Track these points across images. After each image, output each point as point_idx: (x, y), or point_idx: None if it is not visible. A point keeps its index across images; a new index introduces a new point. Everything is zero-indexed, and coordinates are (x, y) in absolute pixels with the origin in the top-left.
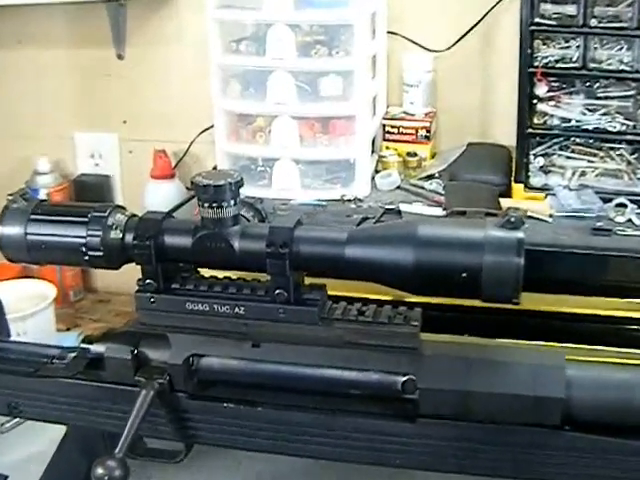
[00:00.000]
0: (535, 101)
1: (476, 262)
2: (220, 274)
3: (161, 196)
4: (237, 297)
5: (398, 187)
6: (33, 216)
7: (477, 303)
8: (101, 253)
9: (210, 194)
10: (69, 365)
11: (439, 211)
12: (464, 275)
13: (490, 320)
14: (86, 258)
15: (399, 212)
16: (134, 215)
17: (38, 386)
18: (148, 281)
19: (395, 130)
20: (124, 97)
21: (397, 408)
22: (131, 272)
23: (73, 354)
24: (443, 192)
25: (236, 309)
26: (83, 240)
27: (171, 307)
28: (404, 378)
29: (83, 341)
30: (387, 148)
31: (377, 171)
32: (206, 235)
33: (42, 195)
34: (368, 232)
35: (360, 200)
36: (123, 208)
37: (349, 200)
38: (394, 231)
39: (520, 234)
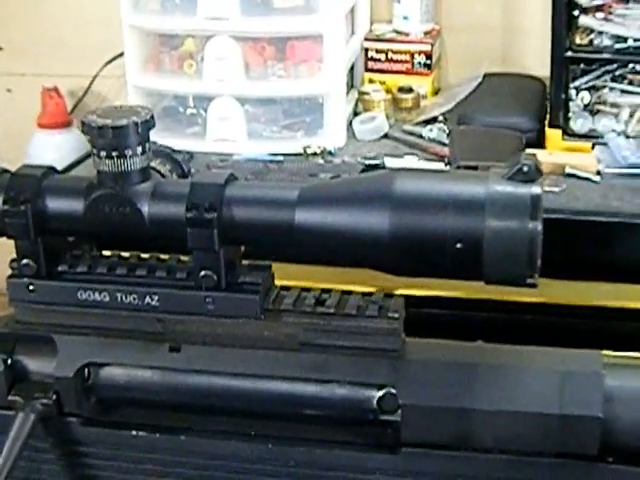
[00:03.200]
0: (577, 12)
1: (475, 228)
2: (125, 253)
3: (52, 151)
4: (148, 282)
5: (385, 135)
6: None
7: (477, 293)
8: None
9: (108, 138)
10: None
11: (440, 167)
12: (459, 246)
13: (498, 319)
14: None
15: (384, 169)
16: (5, 171)
17: None
18: (25, 261)
19: (382, 56)
20: (3, 10)
21: (372, 434)
22: None
23: None
24: (447, 141)
25: (147, 299)
26: None
27: (57, 297)
28: (381, 392)
29: None
30: (371, 81)
31: (356, 114)
32: (103, 196)
33: None
34: (327, 189)
35: (331, 153)
36: None
37: (315, 154)
38: (362, 187)
39: (535, 189)
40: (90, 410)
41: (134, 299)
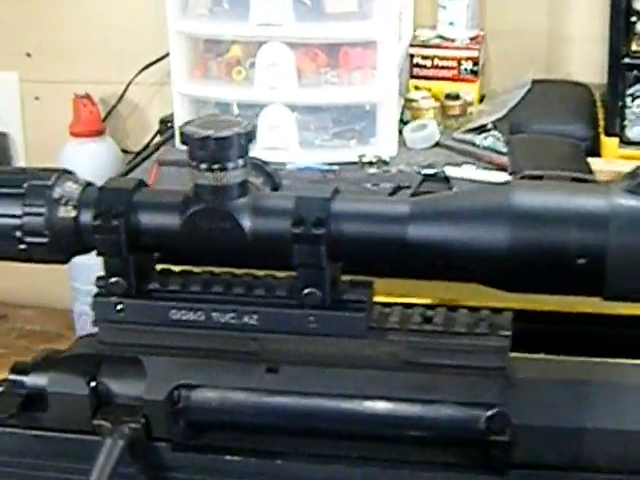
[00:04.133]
0: (634, 19)
1: (598, 243)
2: (215, 269)
3: (86, 161)
4: (247, 301)
5: (436, 144)
6: None
7: (584, 306)
8: (45, 239)
9: (210, 150)
10: None
11: (502, 176)
12: (581, 261)
13: (609, 335)
14: (22, 247)
15: (446, 179)
16: (89, 183)
17: None
18: (114, 279)
19: (428, 62)
20: (28, 20)
21: (479, 455)
22: (38, 272)
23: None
24: (506, 150)
25: (245, 318)
26: (17, 221)
27: (147, 317)
28: (490, 412)
29: (12, 370)
30: (416, 88)
31: (403, 122)
32: (202, 210)
33: None
34: (441, 203)
35: (385, 162)
36: (70, 173)
37: (371, 163)
38: (479, 201)
39: None
40: (180, 434)
41: (232, 318)
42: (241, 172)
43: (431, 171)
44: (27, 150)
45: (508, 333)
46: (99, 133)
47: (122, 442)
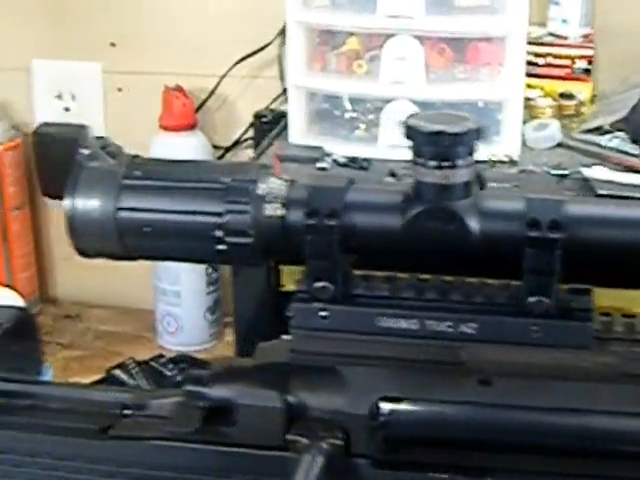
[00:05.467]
0: None
1: None
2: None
3: (178, 155)
4: (465, 308)
5: (558, 144)
6: (128, 181)
7: None
8: (249, 240)
9: (442, 146)
10: (174, 420)
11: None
12: None
13: None
14: (221, 248)
15: (586, 180)
16: (294, 180)
17: (112, 453)
18: (320, 284)
19: (540, 60)
20: (112, 6)
21: None
22: (108, 272)
23: (168, 400)
24: (635, 152)
25: (462, 327)
26: (218, 219)
27: (352, 324)
28: None
29: (186, 380)
30: (529, 87)
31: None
32: (427, 211)
33: None
34: (598, 207)
35: (514, 162)
36: (268, 167)
37: (502, 162)
38: None
39: None
40: (381, 450)
41: (448, 327)
42: (469, 171)
43: (564, 172)
44: None
45: None
46: (191, 127)
47: (321, 459)
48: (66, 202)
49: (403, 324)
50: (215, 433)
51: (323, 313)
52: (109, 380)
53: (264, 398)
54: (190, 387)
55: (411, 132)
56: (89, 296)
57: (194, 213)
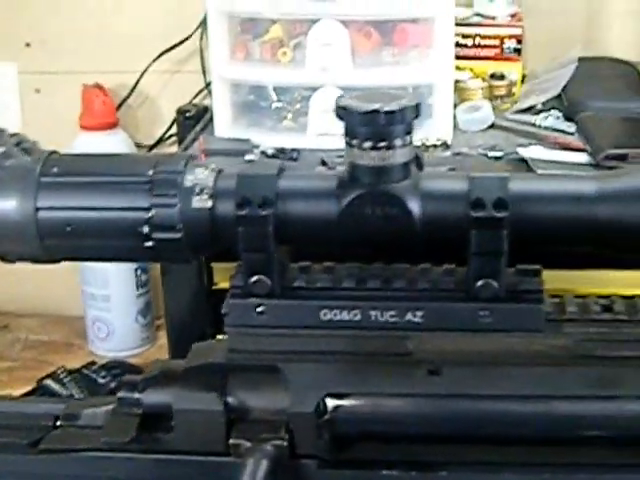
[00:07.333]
0: None
1: None
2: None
3: None
4: (410, 296)
5: (491, 125)
6: (45, 178)
7: None
8: (178, 235)
9: (377, 126)
10: (108, 429)
11: (582, 157)
12: None
13: None
14: (149, 245)
15: (523, 160)
16: (221, 170)
17: (43, 467)
18: (255, 278)
19: (469, 41)
20: (26, 6)
21: None
22: (36, 279)
23: (101, 409)
24: (570, 129)
25: (409, 315)
26: (144, 214)
27: (292, 320)
28: None
29: (119, 387)
30: (458, 68)
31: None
32: (365, 195)
33: None
34: (626, 183)
35: (447, 145)
36: (195, 157)
37: (434, 146)
38: None
39: None
40: (328, 449)
41: (392, 316)
42: (407, 150)
43: (499, 153)
44: None
45: None
46: (113, 125)
47: (266, 462)
48: None
49: (345, 316)
50: (152, 441)
51: (260, 308)
52: (40, 391)
53: (202, 401)
54: (124, 394)
55: (343, 113)
56: (16, 305)
57: (118, 209)
